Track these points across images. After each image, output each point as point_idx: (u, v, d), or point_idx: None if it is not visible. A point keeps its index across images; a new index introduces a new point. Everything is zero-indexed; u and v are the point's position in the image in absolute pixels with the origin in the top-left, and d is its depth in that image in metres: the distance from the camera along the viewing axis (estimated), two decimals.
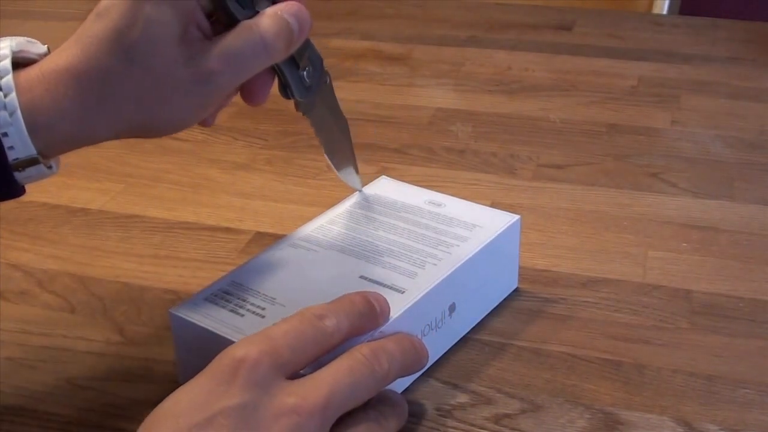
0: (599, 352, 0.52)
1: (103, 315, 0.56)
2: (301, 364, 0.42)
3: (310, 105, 0.52)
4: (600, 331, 0.54)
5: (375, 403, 0.44)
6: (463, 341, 0.53)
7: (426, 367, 0.50)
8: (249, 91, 0.48)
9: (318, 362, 0.42)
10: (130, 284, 0.59)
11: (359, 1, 1.16)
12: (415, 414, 0.48)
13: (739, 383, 0.50)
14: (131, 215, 0.68)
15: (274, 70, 0.48)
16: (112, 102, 0.43)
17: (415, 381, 0.50)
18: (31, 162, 0.43)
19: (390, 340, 0.45)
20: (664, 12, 1.37)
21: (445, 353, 0.52)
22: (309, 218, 0.56)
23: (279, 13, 0.45)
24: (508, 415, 0.48)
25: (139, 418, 0.48)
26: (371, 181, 0.60)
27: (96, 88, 0.43)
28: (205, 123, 0.49)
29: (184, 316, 0.47)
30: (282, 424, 0.39)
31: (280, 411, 0.39)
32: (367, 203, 0.57)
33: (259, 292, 0.49)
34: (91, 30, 0.43)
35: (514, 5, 1.14)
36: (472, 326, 0.54)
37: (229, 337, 0.45)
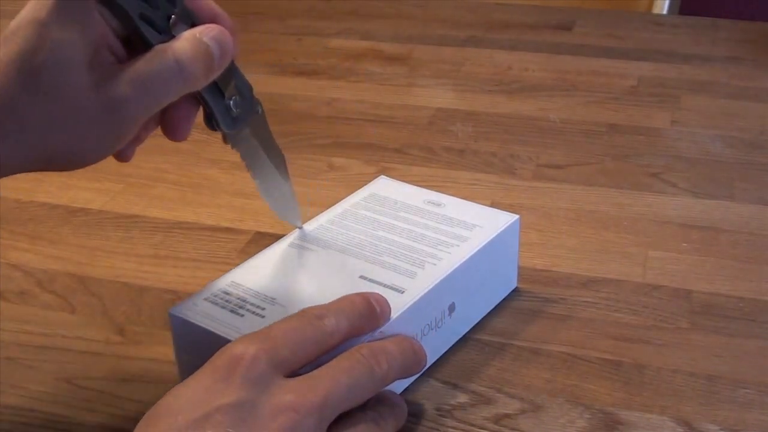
0: (599, 352, 0.52)
1: (103, 315, 0.56)
2: (300, 363, 0.42)
3: (239, 137, 0.49)
4: (600, 331, 0.54)
5: (373, 404, 0.44)
6: (463, 341, 0.53)
7: (426, 367, 0.50)
8: (169, 124, 0.45)
9: (317, 362, 0.42)
10: (130, 284, 0.59)
11: (359, 1, 1.16)
12: (415, 414, 0.48)
13: (739, 383, 0.50)
14: (131, 215, 0.68)
15: (198, 101, 0.45)
16: (17, 132, 0.39)
17: (414, 381, 0.50)
18: None
19: (390, 342, 0.45)
20: (664, 12, 1.37)
21: (444, 353, 0.52)
22: (309, 218, 0.56)
23: (197, 35, 0.42)
24: (508, 415, 0.48)
25: (139, 419, 0.48)
26: (371, 181, 0.60)
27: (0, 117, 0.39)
28: (122, 156, 0.46)
29: (183, 317, 0.47)
30: (279, 422, 0.39)
31: (277, 408, 0.39)
32: (366, 203, 0.57)
33: (258, 293, 0.49)
34: None
35: (514, 5, 1.14)
36: (471, 326, 0.54)
37: (229, 338, 0.45)
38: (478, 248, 0.52)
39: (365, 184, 0.59)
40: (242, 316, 0.47)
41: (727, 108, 0.84)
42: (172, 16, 0.42)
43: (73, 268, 0.61)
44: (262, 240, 0.64)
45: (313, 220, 0.56)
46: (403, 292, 0.49)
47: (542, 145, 0.78)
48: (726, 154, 0.76)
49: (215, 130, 0.47)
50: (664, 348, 0.53)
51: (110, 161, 0.74)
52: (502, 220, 0.55)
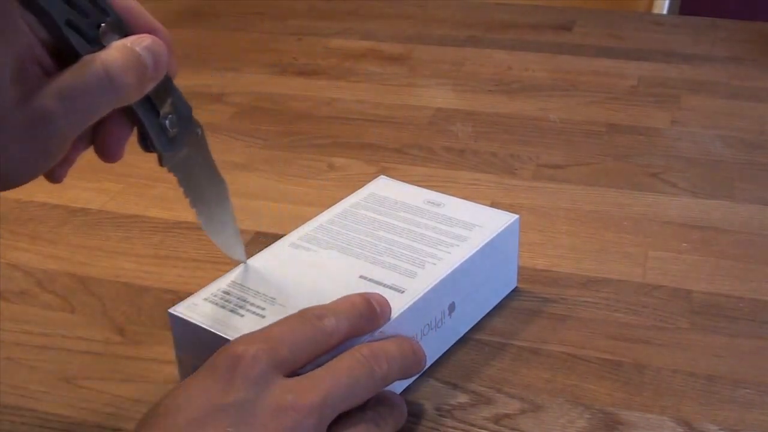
0: (599, 352, 0.52)
1: (103, 315, 0.56)
2: (300, 363, 0.42)
3: (176, 160, 0.45)
4: (600, 331, 0.54)
5: (373, 404, 0.44)
6: (463, 341, 0.53)
7: (426, 367, 0.50)
8: (102, 144, 0.42)
9: (317, 362, 0.42)
10: (130, 284, 0.59)
11: (359, 1, 1.16)
12: (415, 414, 0.48)
13: (739, 383, 0.50)
14: (131, 215, 0.68)
15: (132, 119, 0.42)
16: None
17: (414, 381, 0.50)
18: None
19: (390, 342, 0.45)
20: (664, 12, 1.37)
21: (444, 353, 0.52)
22: (309, 218, 0.56)
23: (128, 45, 0.39)
24: (508, 415, 0.48)
25: (139, 418, 0.48)
26: (371, 181, 0.60)
27: None
28: (53, 177, 0.42)
29: (183, 316, 0.47)
30: (279, 421, 0.39)
31: (277, 408, 0.39)
32: (366, 203, 0.57)
33: (258, 292, 0.49)
34: None
35: (514, 5, 1.14)
36: (471, 326, 0.54)
37: (229, 337, 0.45)
38: (478, 248, 0.52)
39: (365, 184, 0.59)
40: (242, 316, 0.47)
41: (727, 108, 0.84)
42: (102, 25, 0.39)
43: (73, 268, 0.61)
44: (262, 240, 0.64)
45: (313, 220, 0.56)
46: (403, 292, 0.49)
47: (542, 145, 0.78)
48: (726, 154, 0.76)
49: (149, 150, 0.44)
50: (664, 348, 0.53)
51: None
52: (502, 220, 0.55)
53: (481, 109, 0.85)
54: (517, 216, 0.55)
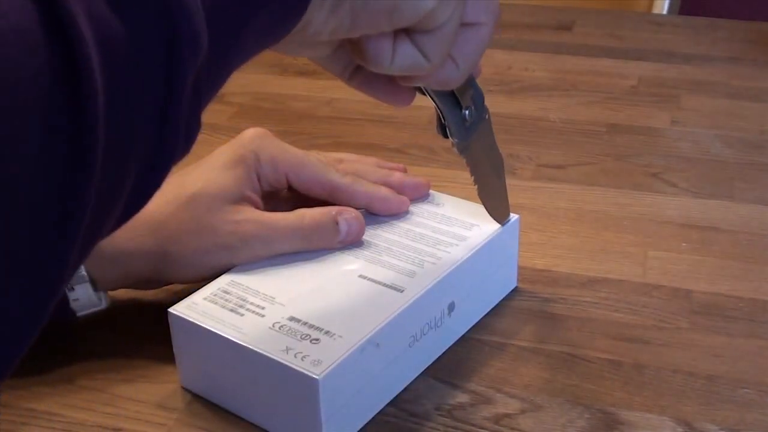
0: (599, 352, 0.52)
1: (103, 315, 0.56)
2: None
3: (468, 145, 0.49)
4: (600, 331, 0.54)
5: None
6: (463, 341, 0.53)
7: (426, 366, 0.51)
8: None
9: None
10: None
11: None
12: (415, 414, 0.48)
13: (739, 383, 0.50)
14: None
15: (436, 109, 0.46)
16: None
17: (414, 381, 0.50)
18: (80, 279, 0.49)
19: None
20: (664, 12, 1.37)
21: (444, 353, 0.52)
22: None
23: (333, 213, 0.52)
24: (507, 415, 0.48)
25: (139, 418, 0.48)
26: None
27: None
28: None
29: (183, 316, 0.47)
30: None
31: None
32: None
33: (258, 292, 0.49)
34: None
35: (514, 5, 1.14)
36: (471, 326, 0.54)
37: (229, 337, 0.45)
38: (478, 248, 0.52)
39: None
40: (242, 315, 0.47)
41: (727, 108, 0.84)
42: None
43: None
44: None
45: None
46: (402, 291, 0.49)
47: (542, 145, 0.78)
48: (726, 154, 0.76)
49: (447, 138, 0.47)
50: (664, 348, 0.53)
51: None
52: None
53: None
54: (517, 216, 0.55)
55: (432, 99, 0.45)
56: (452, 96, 0.46)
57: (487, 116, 0.49)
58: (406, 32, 0.38)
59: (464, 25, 0.40)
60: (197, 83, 0.30)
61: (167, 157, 0.30)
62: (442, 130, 0.47)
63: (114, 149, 0.27)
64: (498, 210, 0.54)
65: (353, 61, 0.44)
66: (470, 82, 0.46)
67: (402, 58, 0.39)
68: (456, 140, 0.47)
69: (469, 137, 0.48)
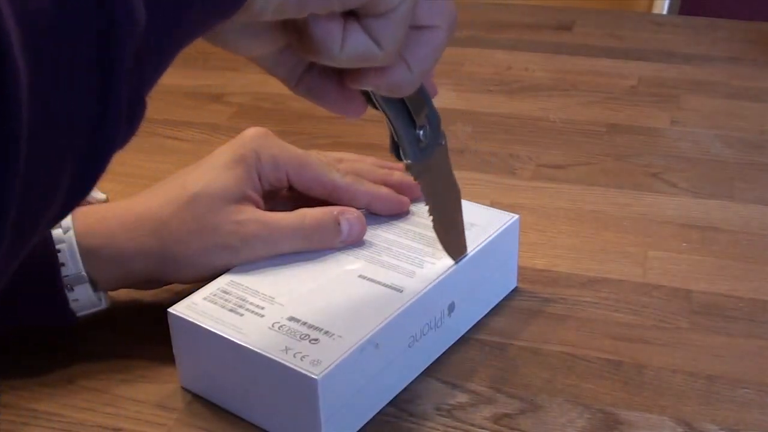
0: (599, 352, 0.52)
1: (103, 315, 0.56)
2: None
3: (421, 168, 0.46)
4: (600, 331, 0.54)
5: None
6: (463, 341, 0.53)
7: (426, 367, 0.51)
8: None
9: None
10: None
11: None
12: (415, 414, 0.48)
13: (739, 383, 0.50)
14: None
15: (390, 127, 0.44)
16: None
17: (414, 381, 0.50)
18: (79, 279, 0.49)
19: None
20: (664, 12, 1.37)
21: (444, 353, 0.52)
22: None
23: (335, 212, 0.52)
24: (507, 415, 0.48)
25: (139, 418, 0.48)
26: None
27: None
28: None
29: (182, 316, 0.47)
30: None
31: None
32: None
33: (257, 292, 0.49)
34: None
35: (514, 5, 1.14)
36: (471, 326, 0.54)
37: (228, 337, 0.45)
38: (478, 248, 0.52)
39: None
40: (241, 315, 0.47)
41: (727, 108, 0.84)
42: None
43: None
44: None
45: None
46: (401, 292, 0.49)
47: (542, 145, 0.78)
48: (726, 154, 0.76)
49: (400, 160, 0.45)
50: (664, 348, 0.53)
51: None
52: (502, 220, 0.55)
53: (481, 109, 0.85)
54: (517, 216, 0.55)
55: (384, 113, 0.43)
56: (406, 113, 0.44)
57: (444, 142, 0.47)
58: (357, 18, 0.36)
59: (417, 27, 0.38)
60: (138, 63, 0.27)
61: (108, 144, 0.28)
62: (395, 149, 0.45)
63: (42, 138, 0.24)
64: (454, 245, 0.51)
65: (300, 64, 0.41)
66: (426, 101, 0.44)
67: (352, 44, 0.36)
68: (409, 161, 0.45)
69: (424, 160, 0.46)
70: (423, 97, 0.44)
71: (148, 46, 0.28)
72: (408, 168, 0.46)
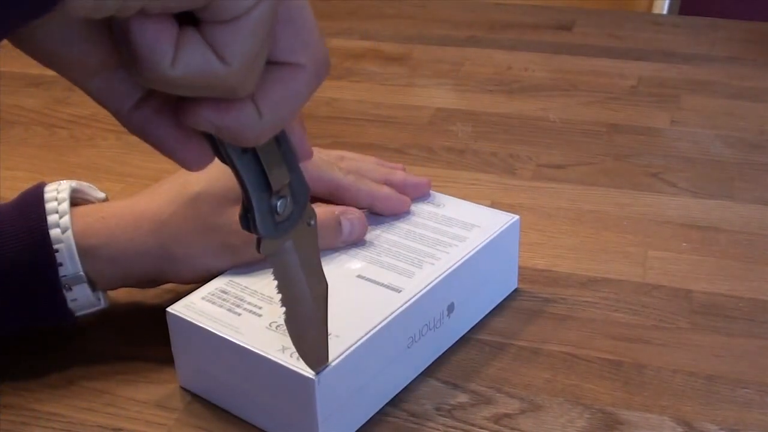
0: (599, 352, 0.52)
1: (103, 315, 0.56)
2: None
3: (276, 248, 0.38)
4: (600, 331, 0.54)
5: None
6: (463, 341, 0.53)
7: (425, 367, 0.50)
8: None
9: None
10: None
11: (359, 1, 1.16)
12: (415, 414, 0.48)
13: (739, 383, 0.50)
14: None
15: (241, 188, 0.35)
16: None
17: (414, 381, 0.50)
18: (77, 279, 0.49)
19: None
20: (664, 12, 1.36)
21: (444, 353, 0.52)
22: None
23: (336, 212, 0.52)
24: (508, 415, 0.48)
25: (139, 418, 0.48)
26: None
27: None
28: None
29: (180, 315, 0.47)
30: None
31: None
32: None
33: (256, 291, 0.49)
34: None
35: (514, 5, 1.14)
36: (471, 326, 0.54)
37: (226, 336, 0.45)
38: (477, 248, 0.52)
39: None
40: (240, 314, 0.47)
41: (727, 108, 0.84)
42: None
43: None
44: None
45: None
46: (400, 292, 0.49)
47: (542, 145, 0.78)
48: (726, 154, 0.76)
49: (249, 229, 0.36)
50: (664, 348, 0.53)
51: (110, 161, 0.74)
52: (502, 220, 0.55)
53: (481, 109, 0.85)
54: (517, 217, 0.55)
55: (233, 170, 0.34)
56: (260, 173, 0.35)
57: (313, 223, 0.39)
58: (196, 25, 0.29)
59: (274, 63, 0.31)
60: None
61: None
62: (244, 217, 0.36)
63: None
64: (312, 349, 0.42)
65: (134, 92, 0.32)
66: (288, 164, 0.36)
67: (188, 56, 0.28)
68: (260, 234, 0.36)
69: (279, 236, 0.37)
70: (286, 158, 0.35)
71: None
72: (258, 243, 0.37)
